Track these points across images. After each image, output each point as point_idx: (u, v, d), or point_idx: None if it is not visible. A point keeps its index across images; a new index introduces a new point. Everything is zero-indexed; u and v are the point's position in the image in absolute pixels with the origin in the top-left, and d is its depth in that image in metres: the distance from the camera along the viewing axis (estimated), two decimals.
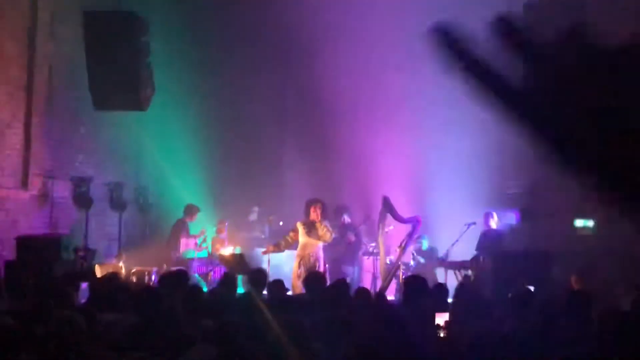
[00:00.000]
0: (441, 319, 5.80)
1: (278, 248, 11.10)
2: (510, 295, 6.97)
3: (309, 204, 10.89)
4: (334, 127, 14.40)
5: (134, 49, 11.04)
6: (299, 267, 10.68)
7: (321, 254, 10.88)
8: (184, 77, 13.86)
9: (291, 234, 10.98)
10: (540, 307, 6.13)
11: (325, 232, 10.73)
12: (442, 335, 5.56)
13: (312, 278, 7.91)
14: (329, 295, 6.95)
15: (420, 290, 6.43)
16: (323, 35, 13.86)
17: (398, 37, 13.86)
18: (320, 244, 10.83)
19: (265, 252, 11.28)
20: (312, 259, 10.70)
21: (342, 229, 12.12)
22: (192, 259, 12.06)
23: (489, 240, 12.18)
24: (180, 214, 12.94)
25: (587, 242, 12.82)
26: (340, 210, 12.35)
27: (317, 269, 10.53)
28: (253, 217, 14.05)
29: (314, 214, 10.77)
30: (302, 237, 10.81)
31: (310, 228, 10.78)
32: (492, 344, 4.86)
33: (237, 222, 13.46)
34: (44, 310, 5.57)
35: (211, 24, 14.62)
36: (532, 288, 8.73)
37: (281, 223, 13.03)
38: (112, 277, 7.69)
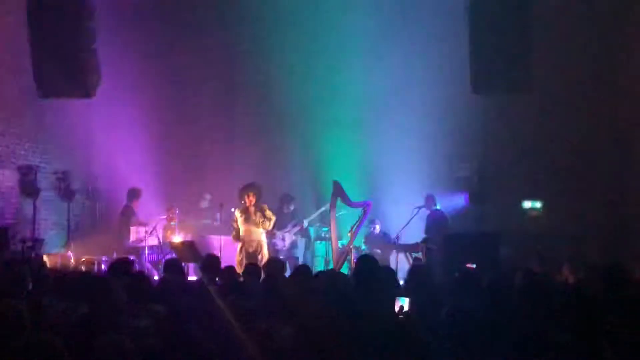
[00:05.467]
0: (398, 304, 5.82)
1: (237, 239, 11.11)
2: (456, 274, 7.04)
3: (242, 192, 10.93)
4: (284, 113, 14.38)
5: (79, 35, 10.83)
6: (240, 252, 10.77)
7: (264, 239, 10.93)
8: (132, 62, 13.69)
9: (233, 224, 11.09)
10: (488, 286, 6.21)
11: (263, 221, 10.78)
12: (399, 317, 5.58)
13: (249, 270, 7.87)
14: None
15: (371, 270, 6.46)
16: (274, 20, 13.83)
17: (352, 22, 13.90)
18: (261, 229, 10.88)
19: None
20: (253, 244, 10.81)
21: (288, 217, 12.39)
22: (143, 247, 11.97)
23: (435, 222, 12.44)
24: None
25: (535, 223, 13.07)
26: (284, 199, 12.50)
27: (258, 254, 10.61)
28: (204, 204, 13.96)
29: (248, 201, 10.82)
30: (241, 225, 10.90)
31: (247, 215, 10.85)
32: (444, 324, 4.94)
33: (188, 209, 13.38)
34: None
35: (159, 8, 14.46)
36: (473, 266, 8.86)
37: (233, 209, 12.99)
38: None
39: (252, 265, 8.17)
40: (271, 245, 12.12)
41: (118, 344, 4.19)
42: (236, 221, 10.95)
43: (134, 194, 12.89)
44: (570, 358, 4.53)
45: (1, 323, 4.47)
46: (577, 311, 5.16)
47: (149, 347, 4.50)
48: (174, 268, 7.62)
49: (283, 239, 12.34)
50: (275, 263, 8.18)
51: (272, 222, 10.95)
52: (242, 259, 10.62)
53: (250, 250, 10.74)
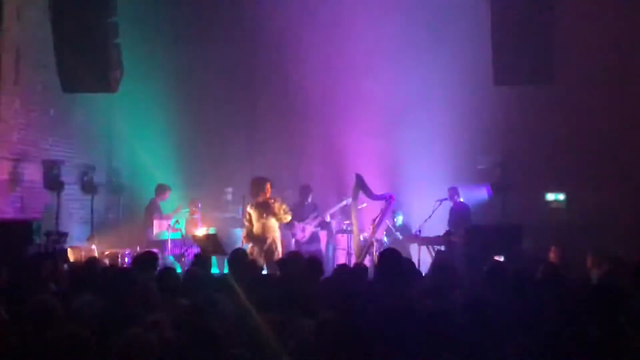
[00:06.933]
0: None
1: (250, 239, 10.79)
2: (485, 268, 7.01)
3: (256, 185, 10.72)
4: (306, 106, 14.38)
5: (102, 30, 10.91)
6: (252, 248, 10.53)
7: (278, 235, 10.74)
8: (154, 57, 13.76)
9: (246, 223, 10.75)
10: (512, 278, 6.19)
11: (283, 214, 10.61)
12: None
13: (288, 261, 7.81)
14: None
15: (395, 263, 6.45)
16: (294, 12, 13.83)
17: (376, 20, 13.87)
18: (277, 224, 10.73)
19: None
20: (268, 241, 10.56)
21: (308, 209, 12.35)
22: (166, 240, 12.02)
23: (458, 214, 12.41)
24: (153, 195, 12.95)
25: (558, 215, 13.00)
26: (304, 190, 12.48)
27: (274, 250, 10.48)
28: (227, 197, 14.00)
29: (267, 191, 10.64)
30: (257, 221, 10.64)
31: (265, 208, 10.64)
32: (466, 314, 4.92)
33: (211, 203, 13.41)
34: (17, 294, 5.55)
35: (180, 2, 14.51)
36: (501, 258, 8.84)
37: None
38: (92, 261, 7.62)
39: (288, 257, 8.08)
40: (290, 237, 12.10)
41: (139, 338, 4.20)
42: (249, 220, 10.68)
43: (160, 189, 12.96)
44: (597, 351, 4.50)
45: (34, 317, 4.54)
46: (601, 304, 5.14)
47: (167, 340, 4.52)
48: (203, 263, 7.61)
49: (303, 230, 12.30)
50: (295, 258, 8.00)
51: (289, 215, 10.83)
52: (254, 254, 10.37)
53: (265, 247, 10.55)
